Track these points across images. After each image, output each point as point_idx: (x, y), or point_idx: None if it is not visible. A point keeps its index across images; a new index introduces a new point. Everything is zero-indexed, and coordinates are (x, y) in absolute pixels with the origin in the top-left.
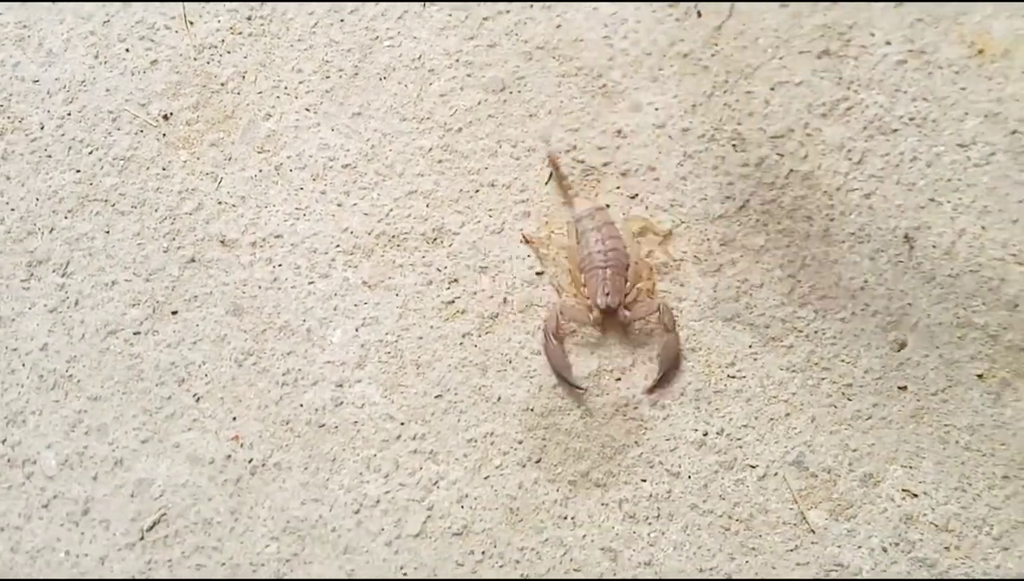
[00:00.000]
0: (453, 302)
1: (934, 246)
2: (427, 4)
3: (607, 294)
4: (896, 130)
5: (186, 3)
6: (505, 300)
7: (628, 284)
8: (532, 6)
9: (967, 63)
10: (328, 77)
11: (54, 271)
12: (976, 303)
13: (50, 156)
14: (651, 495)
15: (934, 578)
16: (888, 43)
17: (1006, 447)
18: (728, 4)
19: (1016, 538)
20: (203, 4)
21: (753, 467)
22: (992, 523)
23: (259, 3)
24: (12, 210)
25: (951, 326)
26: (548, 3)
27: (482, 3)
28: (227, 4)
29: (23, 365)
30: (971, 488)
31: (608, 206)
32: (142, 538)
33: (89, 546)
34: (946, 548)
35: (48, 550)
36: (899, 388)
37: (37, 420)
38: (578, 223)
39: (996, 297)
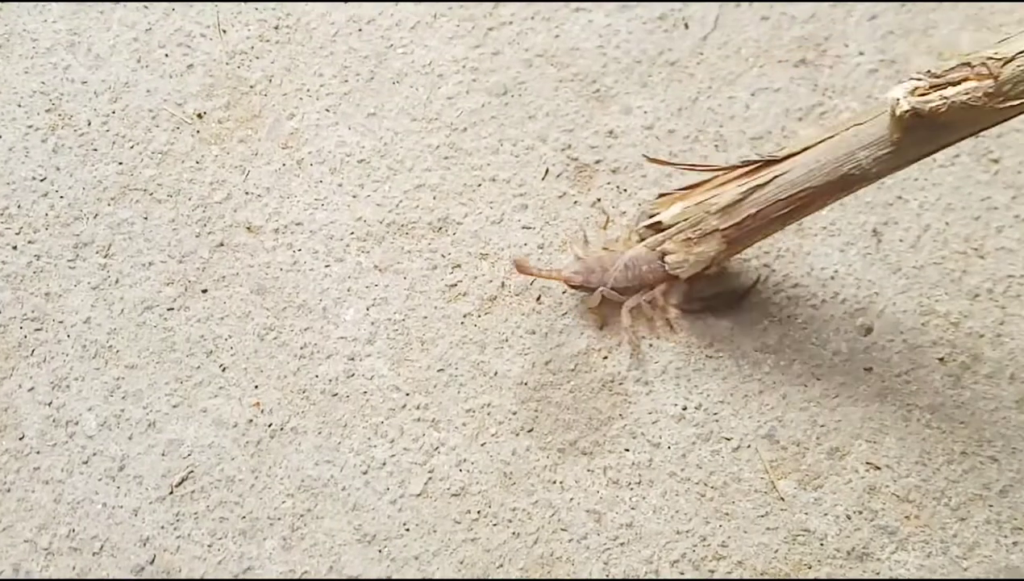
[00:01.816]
0: (455, 285)
1: (900, 240)
2: (437, 16)
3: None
4: None
5: (220, 11)
6: (503, 284)
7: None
8: (533, 17)
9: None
10: (346, 81)
11: (97, 252)
12: (939, 293)
13: (96, 149)
14: (633, 463)
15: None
16: (861, 53)
17: (964, 425)
18: (713, 17)
19: (972, 509)
20: (235, 14)
21: (728, 439)
22: (950, 495)
23: (285, 14)
24: (61, 197)
25: (915, 313)
26: (547, 16)
27: (487, 16)
28: (257, 14)
29: (68, 336)
30: (931, 462)
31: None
32: (171, 493)
33: (124, 499)
34: (906, 517)
35: (87, 502)
36: (865, 370)
37: (80, 385)
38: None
39: (958, 287)
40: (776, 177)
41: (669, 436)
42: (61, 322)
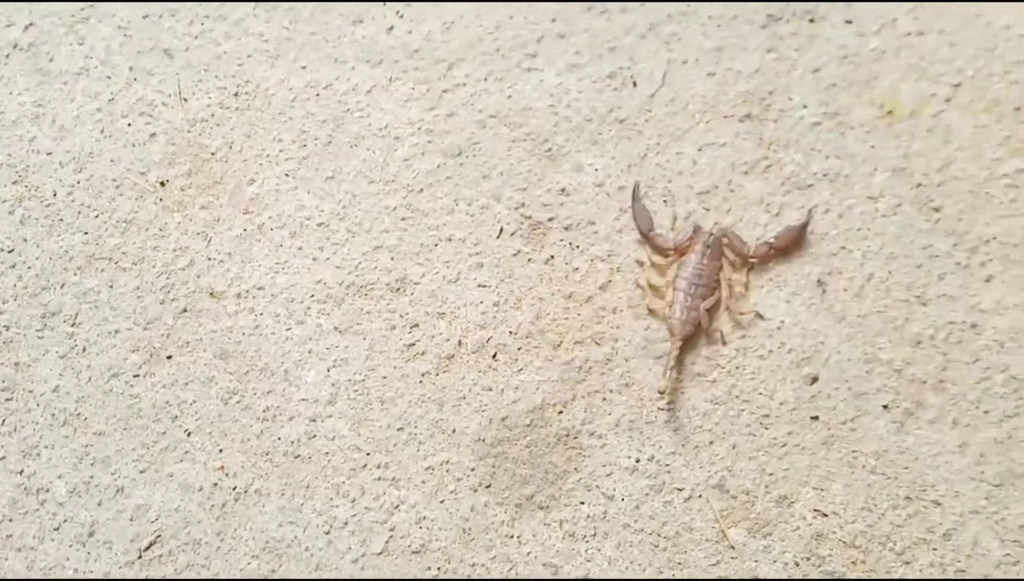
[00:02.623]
0: (414, 345)
1: (845, 289)
2: (392, 80)
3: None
4: (811, 185)
5: (181, 80)
6: (460, 342)
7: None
8: (486, 78)
9: (877, 123)
10: (305, 145)
11: (65, 321)
12: (883, 340)
13: (62, 220)
14: (588, 516)
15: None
16: (805, 106)
17: (908, 471)
18: (661, 74)
19: (917, 553)
20: (196, 82)
21: (680, 490)
22: (895, 539)
23: (245, 81)
24: (29, 268)
25: (859, 362)
26: (500, 77)
27: (441, 78)
28: (217, 82)
29: (37, 405)
30: (876, 508)
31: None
32: (140, 557)
33: (94, 564)
34: (853, 562)
35: (59, 568)
36: (811, 418)
37: (49, 453)
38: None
39: (901, 335)
40: None
41: (623, 488)
42: (31, 391)
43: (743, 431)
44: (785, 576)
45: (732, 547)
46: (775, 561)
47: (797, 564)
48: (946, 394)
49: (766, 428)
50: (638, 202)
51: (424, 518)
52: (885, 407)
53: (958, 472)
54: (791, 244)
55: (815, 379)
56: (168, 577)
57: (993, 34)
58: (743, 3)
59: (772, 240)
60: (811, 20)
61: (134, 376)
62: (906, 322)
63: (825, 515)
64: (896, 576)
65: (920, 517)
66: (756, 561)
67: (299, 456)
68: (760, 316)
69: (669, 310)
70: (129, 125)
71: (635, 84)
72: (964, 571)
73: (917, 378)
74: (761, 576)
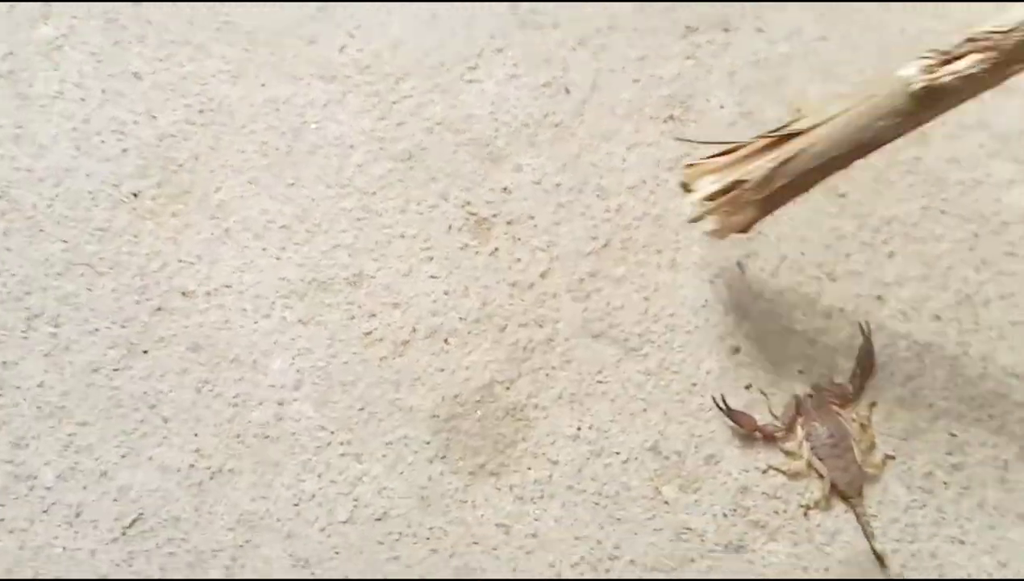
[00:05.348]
0: (371, 333)
1: (762, 269)
2: (346, 94)
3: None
4: None
5: (150, 99)
6: (414, 329)
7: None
8: (432, 90)
9: (787, 120)
10: (266, 155)
11: (47, 323)
12: (797, 314)
13: (42, 230)
14: (535, 480)
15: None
16: (722, 107)
17: None
18: (591, 82)
19: (834, 500)
20: (164, 101)
21: (617, 453)
22: (813, 489)
23: (209, 99)
24: (12, 275)
25: (777, 333)
26: (445, 88)
27: (390, 91)
28: (183, 100)
29: (24, 400)
30: None
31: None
32: (124, 534)
33: (82, 542)
34: (775, 512)
35: (48, 547)
36: (740, 386)
37: (37, 443)
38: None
39: (814, 308)
40: (802, 150)
41: (566, 454)
42: (18, 387)
43: (673, 399)
44: (715, 526)
45: (666, 502)
46: (705, 513)
47: (725, 515)
48: (855, 359)
49: (694, 395)
50: (734, 412)
51: (385, 488)
52: (800, 372)
53: None
54: (869, 366)
55: (737, 350)
56: (151, 550)
57: (890, 36)
58: (663, 15)
59: (857, 370)
60: (725, 29)
61: (114, 370)
62: (818, 297)
63: (747, 471)
64: (815, 522)
65: None
66: (688, 514)
67: (268, 437)
68: (891, 457)
69: (825, 481)
70: (103, 142)
71: (568, 91)
72: (876, 516)
73: (830, 346)
74: (692, 527)
